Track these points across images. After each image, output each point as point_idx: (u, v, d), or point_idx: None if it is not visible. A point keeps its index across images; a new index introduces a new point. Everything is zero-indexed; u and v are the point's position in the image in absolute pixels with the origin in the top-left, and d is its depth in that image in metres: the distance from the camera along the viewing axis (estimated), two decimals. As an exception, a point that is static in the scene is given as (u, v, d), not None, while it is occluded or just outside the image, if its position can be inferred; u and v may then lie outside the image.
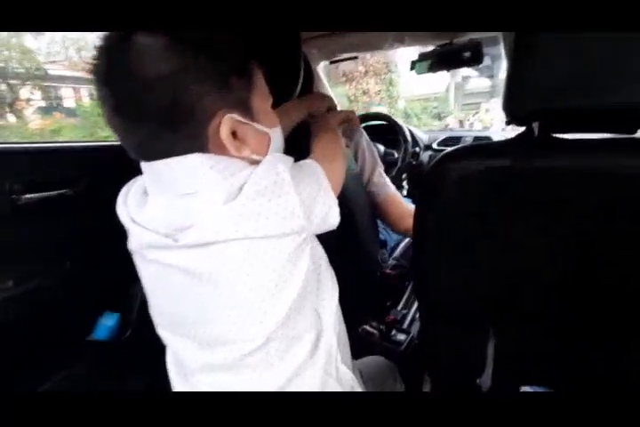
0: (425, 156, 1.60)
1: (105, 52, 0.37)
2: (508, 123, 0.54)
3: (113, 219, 1.01)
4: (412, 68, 1.34)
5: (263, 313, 0.39)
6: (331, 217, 0.43)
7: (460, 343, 0.69)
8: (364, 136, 0.80)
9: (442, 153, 0.58)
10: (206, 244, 0.37)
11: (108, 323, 1.02)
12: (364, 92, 6.95)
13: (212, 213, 0.37)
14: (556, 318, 0.59)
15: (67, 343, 0.94)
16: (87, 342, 0.97)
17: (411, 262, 0.72)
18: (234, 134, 0.40)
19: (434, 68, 1.26)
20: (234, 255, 0.37)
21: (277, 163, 0.39)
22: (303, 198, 0.38)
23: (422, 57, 1.30)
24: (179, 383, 0.48)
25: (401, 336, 0.99)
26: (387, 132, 1.56)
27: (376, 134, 1.63)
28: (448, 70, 1.26)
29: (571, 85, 0.45)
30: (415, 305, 1.26)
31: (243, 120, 0.40)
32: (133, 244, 0.45)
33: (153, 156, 0.40)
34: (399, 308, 1.30)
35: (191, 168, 0.39)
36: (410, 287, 1.37)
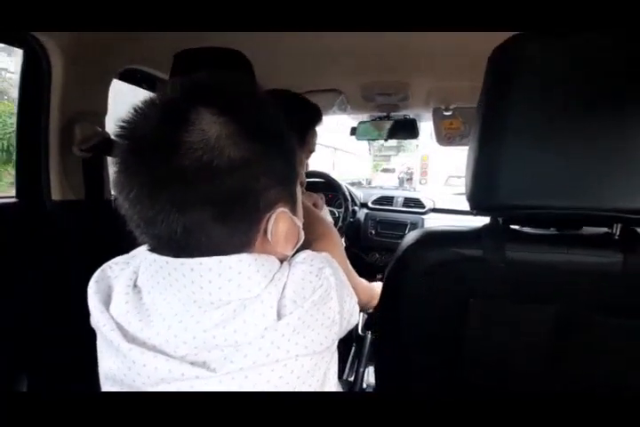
0: (361, 213, 1.67)
1: (153, 122, 0.31)
2: (474, 213, 0.57)
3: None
4: (352, 134, 1.43)
5: None
6: (354, 316, 0.39)
7: None
8: (327, 214, 0.79)
9: (414, 237, 0.58)
10: (250, 368, 0.30)
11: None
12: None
13: (265, 332, 0.31)
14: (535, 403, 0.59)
15: None
16: None
17: (377, 345, 0.68)
18: None
19: (373, 136, 1.37)
20: (276, 380, 0.31)
21: (323, 266, 0.35)
22: (339, 301, 0.35)
23: (361, 124, 1.40)
24: None
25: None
26: (324, 189, 1.59)
27: (314, 191, 1.65)
28: (386, 140, 1.37)
29: (535, 188, 0.49)
30: (362, 372, 1.21)
31: (291, 215, 0.36)
32: (119, 371, 0.32)
33: (186, 251, 0.32)
34: (345, 376, 1.23)
35: (235, 271, 0.32)
36: (354, 351, 1.32)
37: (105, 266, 0.38)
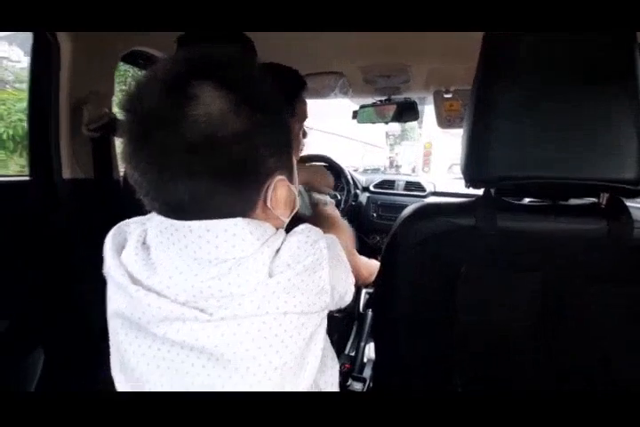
0: (363, 197, 1.69)
1: (157, 96, 0.32)
2: (467, 186, 0.59)
3: (8, 273, 0.80)
4: (353, 117, 1.44)
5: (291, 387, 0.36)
6: (348, 294, 0.42)
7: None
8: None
9: (409, 210, 0.60)
10: (243, 317, 0.34)
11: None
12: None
13: (257, 286, 0.34)
14: (524, 368, 0.62)
15: None
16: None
17: (374, 319, 0.71)
18: None
19: (374, 119, 1.38)
20: (266, 331, 0.34)
21: (319, 238, 0.38)
22: (331, 273, 0.38)
23: (363, 108, 1.41)
24: None
25: (357, 385, 0.96)
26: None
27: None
28: (387, 123, 1.38)
29: (524, 160, 0.52)
30: (362, 347, 1.26)
31: (288, 182, 0.39)
32: (127, 309, 0.36)
33: (190, 214, 0.35)
34: (347, 351, 1.28)
35: (231, 232, 0.35)
36: (355, 329, 1.36)
37: (122, 223, 0.42)
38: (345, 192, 1.51)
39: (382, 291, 0.65)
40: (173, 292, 0.35)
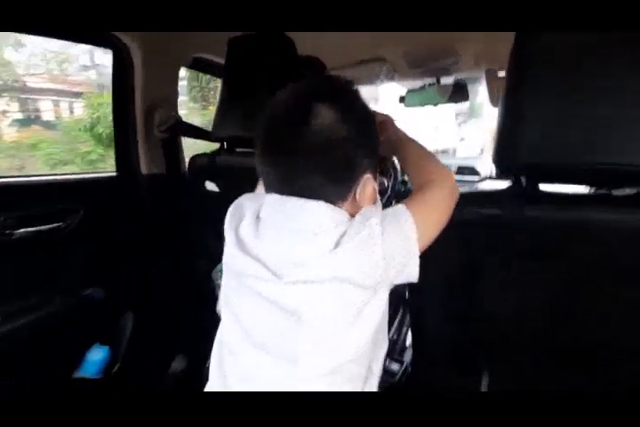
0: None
1: (287, 112, 0.44)
2: (498, 176, 0.58)
3: (105, 252, 1.00)
4: (400, 102, 1.42)
5: (336, 347, 0.43)
6: (407, 270, 0.44)
7: (454, 383, 0.70)
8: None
9: None
10: (306, 282, 0.42)
11: (96, 357, 0.99)
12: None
13: (321, 257, 0.42)
14: (543, 355, 0.62)
15: (52, 382, 0.90)
16: (74, 380, 0.94)
17: (409, 302, 0.74)
18: None
19: (423, 102, 1.34)
20: (325, 294, 0.42)
21: (371, 216, 0.43)
22: (385, 248, 0.42)
23: (410, 92, 1.38)
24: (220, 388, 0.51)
25: (395, 366, 1.01)
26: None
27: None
28: (435, 105, 1.34)
29: (556, 145, 0.50)
30: (404, 331, 1.28)
31: (373, 180, 0.47)
32: (231, 263, 0.49)
33: (295, 193, 0.44)
34: (390, 335, 1.32)
35: (315, 212, 0.44)
36: (400, 314, 1.39)
37: (239, 200, 0.53)
38: (392, 178, 1.49)
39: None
40: (265, 256, 0.45)
